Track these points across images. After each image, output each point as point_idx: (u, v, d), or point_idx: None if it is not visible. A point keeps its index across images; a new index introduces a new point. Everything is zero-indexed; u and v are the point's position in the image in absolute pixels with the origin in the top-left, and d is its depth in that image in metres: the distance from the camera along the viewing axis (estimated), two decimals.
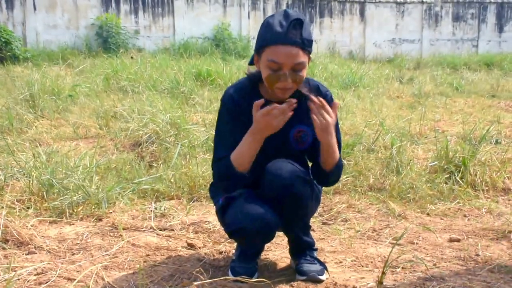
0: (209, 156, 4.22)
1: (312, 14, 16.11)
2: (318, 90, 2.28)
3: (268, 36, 2.09)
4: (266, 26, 2.12)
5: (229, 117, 2.26)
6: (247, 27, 15.63)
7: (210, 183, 2.52)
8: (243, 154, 2.15)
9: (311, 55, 2.17)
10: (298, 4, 15.87)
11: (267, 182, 2.19)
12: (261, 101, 2.08)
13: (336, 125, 2.28)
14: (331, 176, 2.28)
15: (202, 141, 4.59)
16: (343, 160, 2.33)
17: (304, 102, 2.19)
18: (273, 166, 2.19)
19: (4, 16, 12.61)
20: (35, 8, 13.01)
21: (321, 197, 2.54)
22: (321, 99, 2.11)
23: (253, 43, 15.09)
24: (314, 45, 2.25)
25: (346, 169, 3.92)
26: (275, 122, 2.08)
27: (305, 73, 2.14)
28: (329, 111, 2.11)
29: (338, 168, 2.27)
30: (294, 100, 2.09)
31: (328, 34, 15.75)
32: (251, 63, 2.27)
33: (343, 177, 3.78)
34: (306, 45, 2.09)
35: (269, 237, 2.28)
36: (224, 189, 2.31)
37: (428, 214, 3.31)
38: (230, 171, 2.16)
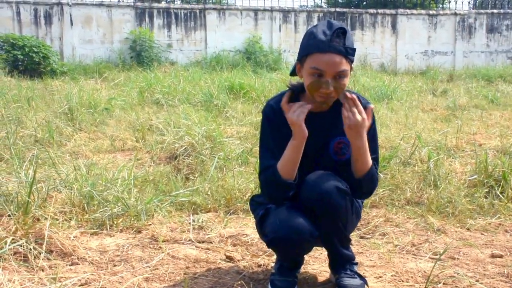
0: (245, 169, 4.25)
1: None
2: (357, 98, 2.27)
3: (311, 44, 2.12)
4: (310, 35, 2.14)
5: (270, 127, 2.29)
6: (278, 40, 15.72)
7: (251, 196, 2.54)
8: (286, 161, 2.18)
9: (352, 65, 2.18)
10: (330, 16, 15.90)
11: (305, 192, 2.20)
12: (285, 100, 2.18)
13: (373, 133, 2.28)
14: (362, 184, 2.25)
15: (238, 153, 4.61)
16: (380, 174, 2.31)
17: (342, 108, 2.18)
18: (312, 176, 2.20)
19: (43, 32, 12.96)
20: (72, 24, 13.34)
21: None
22: (354, 96, 2.13)
23: (284, 56, 15.20)
24: None
25: (382, 182, 3.89)
26: (294, 116, 2.12)
27: (347, 82, 2.15)
28: (361, 111, 2.12)
29: (369, 177, 2.24)
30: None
31: (360, 46, 15.70)
32: (292, 73, 2.29)
33: (379, 191, 3.76)
34: (349, 53, 2.10)
35: (306, 247, 2.28)
36: (270, 199, 2.31)
37: (468, 229, 3.26)
38: (277, 179, 2.18)
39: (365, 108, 2.18)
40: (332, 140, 2.28)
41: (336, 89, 2.11)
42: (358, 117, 2.10)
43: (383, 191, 3.80)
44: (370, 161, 2.21)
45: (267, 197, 2.31)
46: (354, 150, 2.18)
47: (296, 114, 2.13)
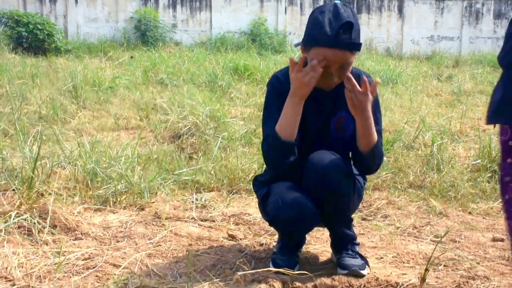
0: (248, 150, 4.25)
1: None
2: (359, 76, 2.25)
3: (317, 36, 2.09)
4: (315, 24, 2.11)
5: (275, 97, 2.27)
6: (283, 22, 15.61)
7: (254, 176, 2.55)
8: (285, 120, 2.15)
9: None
10: None
11: (308, 171, 2.20)
12: (292, 58, 2.11)
13: (377, 109, 2.27)
14: (367, 159, 2.25)
15: (241, 134, 4.62)
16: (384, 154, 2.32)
17: (344, 90, 2.16)
18: (315, 156, 2.20)
19: (47, 9, 12.90)
20: (76, 1, 13.27)
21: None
22: (351, 78, 2.10)
23: (289, 39, 15.10)
24: None
25: (386, 165, 3.90)
26: (307, 79, 2.08)
27: (351, 68, 2.15)
28: (363, 91, 2.09)
29: (375, 152, 2.23)
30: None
31: (365, 30, 15.57)
32: (297, 46, 2.28)
33: (382, 173, 3.76)
34: (355, 47, 2.10)
35: (308, 226, 2.30)
36: (272, 166, 2.28)
37: (470, 213, 3.27)
38: (276, 141, 2.15)
39: (370, 83, 2.17)
40: (333, 116, 2.28)
41: (340, 78, 2.12)
42: (361, 96, 2.09)
43: (386, 174, 3.81)
44: (375, 136, 2.21)
45: (269, 165, 2.28)
46: (360, 127, 2.17)
47: (309, 77, 2.08)
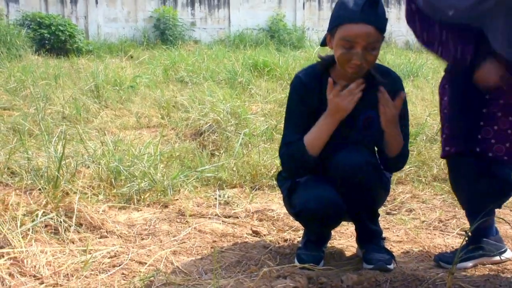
0: (270, 146, 4.23)
1: None
2: (388, 74, 2.25)
3: (342, 15, 2.07)
4: (340, 5, 2.09)
5: (298, 100, 2.26)
6: (302, 18, 15.54)
7: (278, 172, 2.53)
8: (317, 137, 2.15)
9: (384, 36, 2.13)
10: None
11: (336, 165, 2.18)
12: (331, 80, 2.10)
13: (405, 114, 2.27)
14: (394, 162, 2.29)
15: (262, 130, 4.59)
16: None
17: (373, 88, 2.16)
18: (343, 150, 2.18)
19: (69, 10, 12.99)
20: (96, 2, 13.35)
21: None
22: (385, 92, 2.11)
23: (308, 34, 15.05)
24: None
25: (409, 159, 3.83)
26: (345, 103, 2.09)
27: (377, 54, 2.11)
28: (396, 104, 2.12)
29: (401, 155, 2.27)
30: (361, 80, 2.10)
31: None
32: (323, 43, 2.24)
33: (406, 167, 3.71)
34: (380, 23, 2.06)
35: (334, 221, 2.28)
36: (290, 174, 2.30)
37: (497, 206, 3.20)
38: (301, 154, 2.16)
39: (395, 81, 2.18)
40: (361, 114, 2.24)
41: (367, 61, 2.07)
42: (394, 111, 2.12)
43: (410, 167, 3.76)
44: (402, 142, 2.21)
45: (287, 171, 2.30)
46: (388, 137, 2.18)
47: (347, 102, 2.10)
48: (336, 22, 2.10)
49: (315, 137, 2.16)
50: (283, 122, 2.32)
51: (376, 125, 2.22)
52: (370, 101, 2.17)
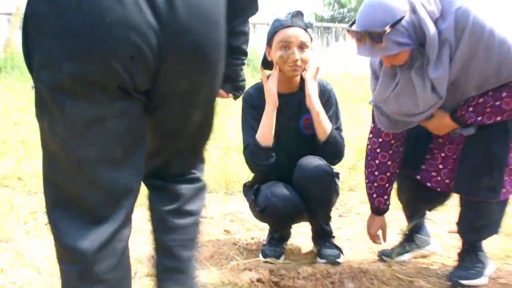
0: (241, 158, 4.22)
1: (328, 39, 16.10)
2: (320, 82, 2.35)
3: (276, 25, 2.22)
4: (274, 21, 2.26)
5: (249, 108, 2.34)
6: None
7: (244, 184, 2.55)
8: (262, 128, 2.22)
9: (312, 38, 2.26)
10: (317, 30, 15.83)
11: (299, 174, 2.24)
12: (263, 72, 2.26)
13: (334, 105, 2.34)
14: (328, 150, 2.28)
15: (235, 144, 4.61)
16: (345, 145, 2.33)
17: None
18: (303, 161, 2.24)
19: None
20: None
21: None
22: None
23: None
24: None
25: (360, 171, 3.89)
26: (269, 86, 2.20)
27: (309, 55, 2.21)
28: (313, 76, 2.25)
29: (333, 139, 2.26)
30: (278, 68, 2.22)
31: (343, 56, 15.67)
32: (264, 62, 2.34)
33: (357, 177, 3.77)
34: (307, 26, 2.20)
35: (294, 216, 2.31)
36: (254, 170, 2.34)
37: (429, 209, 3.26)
38: (257, 148, 2.21)
39: (325, 87, 2.36)
40: (301, 117, 2.32)
41: (302, 60, 2.18)
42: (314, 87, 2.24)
43: (361, 177, 3.80)
44: (329, 125, 2.25)
45: (252, 168, 2.32)
46: (314, 115, 2.23)
47: (270, 85, 2.20)
48: (272, 32, 2.22)
49: (261, 129, 2.22)
50: (241, 130, 2.36)
51: (313, 126, 2.28)
52: (306, 105, 2.25)
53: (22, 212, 2.55)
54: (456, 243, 2.62)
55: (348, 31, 1.89)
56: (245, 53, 1.52)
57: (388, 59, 1.87)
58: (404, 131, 2.16)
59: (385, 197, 2.25)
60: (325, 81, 2.41)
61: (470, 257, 2.15)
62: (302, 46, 2.18)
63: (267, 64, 2.33)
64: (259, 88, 2.35)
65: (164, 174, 1.43)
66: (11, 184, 3.21)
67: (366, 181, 2.27)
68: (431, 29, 1.77)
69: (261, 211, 2.31)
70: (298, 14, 2.20)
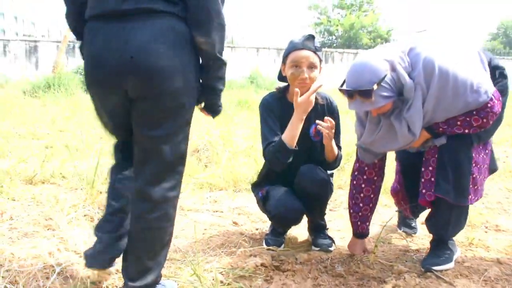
0: (248, 160, 4.22)
1: None
2: (327, 98, 2.33)
3: (290, 47, 2.16)
4: (289, 42, 2.19)
5: (267, 112, 2.26)
6: (273, 68, 15.67)
7: (253, 182, 2.52)
8: (290, 133, 2.12)
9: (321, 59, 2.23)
10: None
11: (301, 180, 2.20)
12: (297, 90, 2.09)
13: (338, 128, 2.31)
14: (332, 164, 2.32)
15: (243, 149, 4.59)
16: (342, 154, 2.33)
17: (319, 107, 2.27)
18: (305, 168, 2.20)
19: None
20: None
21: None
22: (330, 120, 2.14)
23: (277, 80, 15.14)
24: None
25: (347, 171, 3.87)
26: (299, 100, 2.08)
27: (317, 74, 2.16)
28: (332, 127, 2.17)
29: (337, 159, 2.31)
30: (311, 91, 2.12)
31: (331, 75, 15.65)
32: (279, 76, 2.30)
33: (344, 176, 3.75)
34: (317, 50, 2.15)
35: (296, 220, 2.28)
36: (275, 165, 2.19)
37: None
38: (283, 148, 2.11)
39: (331, 103, 2.35)
40: (310, 126, 2.29)
41: (310, 77, 2.13)
42: (330, 134, 2.19)
43: (348, 176, 3.78)
44: (337, 151, 2.27)
45: (273, 163, 2.19)
46: (327, 148, 2.22)
47: (305, 105, 2.09)
48: (286, 52, 2.18)
49: (290, 132, 2.11)
50: (261, 132, 2.26)
51: (321, 134, 2.25)
52: (316, 116, 2.24)
53: (65, 205, 2.54)
54: (427, 232, 2.60)
55: (340, 90, 1.86)
56: (220, 90, 1.66)
57: (375, 110, 1.88)
58: (384, 168, 2.16)
59: (367, 223, 2.21)
60: (331, 97, 2.37)
61: (440, 245, 2.12)
62: (311, 67, 2.12)
63: (282, 78, 2.30)
64: (274, 96, 2.31)
65: None
66: (57, 181, 3.20)
67: (351, 211, 2.19)
68: (408, 80, 1.80)
69: (270, 218, 2.31)
70: (310, 37, 2.15)
